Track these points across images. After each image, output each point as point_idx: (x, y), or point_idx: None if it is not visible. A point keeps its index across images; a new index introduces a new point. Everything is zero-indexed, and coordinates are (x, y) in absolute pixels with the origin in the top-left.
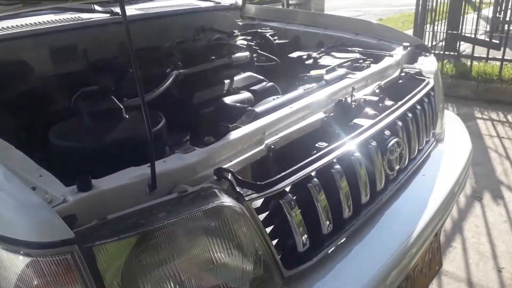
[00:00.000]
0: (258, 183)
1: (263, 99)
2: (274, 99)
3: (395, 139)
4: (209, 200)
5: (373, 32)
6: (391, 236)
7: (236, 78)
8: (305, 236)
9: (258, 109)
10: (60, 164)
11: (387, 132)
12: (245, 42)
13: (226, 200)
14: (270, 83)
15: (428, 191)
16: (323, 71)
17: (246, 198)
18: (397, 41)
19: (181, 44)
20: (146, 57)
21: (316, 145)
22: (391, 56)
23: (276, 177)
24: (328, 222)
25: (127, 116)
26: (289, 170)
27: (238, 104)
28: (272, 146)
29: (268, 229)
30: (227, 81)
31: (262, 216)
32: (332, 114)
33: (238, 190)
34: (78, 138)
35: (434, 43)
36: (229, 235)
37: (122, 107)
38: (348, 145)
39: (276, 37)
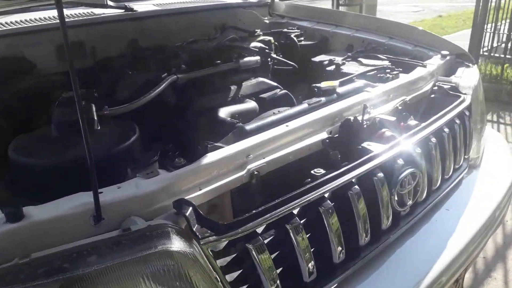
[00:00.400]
0: (221, 223)
1: (273, 108)
2: (274, 113)
3: (409, 170)
4: (154, 243)
5: (410, 36)
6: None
7: (244, 84)
8: None
9: (249, 126)
10: (18, 181)
11: (400, 161)
12: (259, 45)
13: (176, 244)
14: (283, 91)
15: (449, 231)
16: (336, 82)
17: (203, 242)
18: (436, 48)
19: (192, 44)
20: (150, 57)
21: (312, 171)
22: (424, 66)
23: (244, 216)
24: (312, 268)
25: (98, 128)
26: (263, 208)
27: (228, 119)
28: (256, 172)
29: (231, 276)
30: (233, 88)
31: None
32: (337, 135)
33: (196, 230)
34: (34, 153)
35: (495, 45)
36: (178, 285)
37: (94, 118)
38: (348, 175)
39: (302, 38)
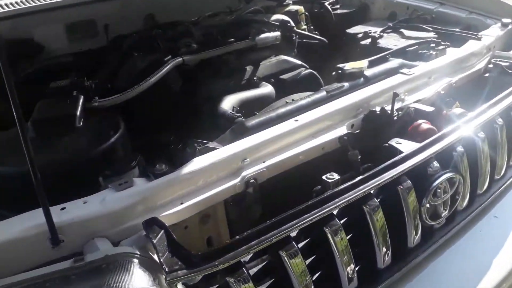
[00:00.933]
0: (195, 253)
1: (296, 91)
2: (286, 102)
3: (447, 176)
4: (108, 279)
5: (465, 0)
6: None
7: (263, 64)
8: None
9: (250, 121)
10: None
11: (435, 164)
12: (282, 18)
13: (136, 281)
14: (307, 71)
15: (498, 242)
16: (364, 63)
17: (169, 277)
18: (496, 15)
19: (209, 18)
20: (157, 36)
21: (324, 177)
22: (478, 38)
23: (224, 244)
24: None
25: (80, 125)
26: (249, 232)
27: (229, 112)
28: (252, 180)
29: None
30: (248, 69)
31: None
32: (359, 130)
33: (164, 261)
34: (2, 156)
35: None
36: None
37: (76, 113)
38: (365, 185)
39: (338, 6)
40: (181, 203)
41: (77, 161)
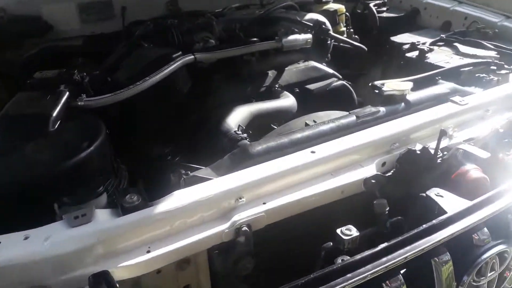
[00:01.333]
0: None
1: (323, 105)
2: (306, 123)
3: (497, 248)
4: None
5: None
6: None
7: (288, 69)
8: None
9: (255, 147)
10: None
11: (484, 232)
12: (317, 18)
13: None
14: (340, 82)
15: None
16: (407, 85)
17: None
18: None
19: (236, 11)
20: (172, 27)
21: (338, 231)
22: None
23: None
24: None
25: (53, 129)
26: None
27: (232, 132)
28: (245, 228)
29: None
30: (270, 74)
31: None
32: (392, 171)
33: None
34: None
35: None
36: None
37: (52, 114)
38: (393, 255)
39: (385, 8)
40: (148, 251)
41: (36, 178)
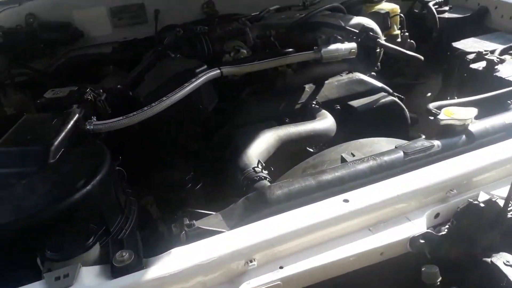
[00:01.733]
0: None
1: (367, 126)
2: (342, 157)
3: None
4: None
5: None
6: None
7: (329, 83)
8: None
9: (275, 191)
10: None
11: None
12: (364, 22)
13: None
14: (390, 98)
15: None
16: (471, 113)
17: None
18: None
19: (274, 14)
20: (202, 34)
21: None
22: None
23: None
24: None
25: (53, 161)
26: None
27: (250, 169)
28: None
29: None
30: (308, 89)
31: None
32: (447, 229)
33: None
34: None
35: None
36: None
37: (53, 143)
38: None
39: (447, 8)
40: None
41: (20, 223)
